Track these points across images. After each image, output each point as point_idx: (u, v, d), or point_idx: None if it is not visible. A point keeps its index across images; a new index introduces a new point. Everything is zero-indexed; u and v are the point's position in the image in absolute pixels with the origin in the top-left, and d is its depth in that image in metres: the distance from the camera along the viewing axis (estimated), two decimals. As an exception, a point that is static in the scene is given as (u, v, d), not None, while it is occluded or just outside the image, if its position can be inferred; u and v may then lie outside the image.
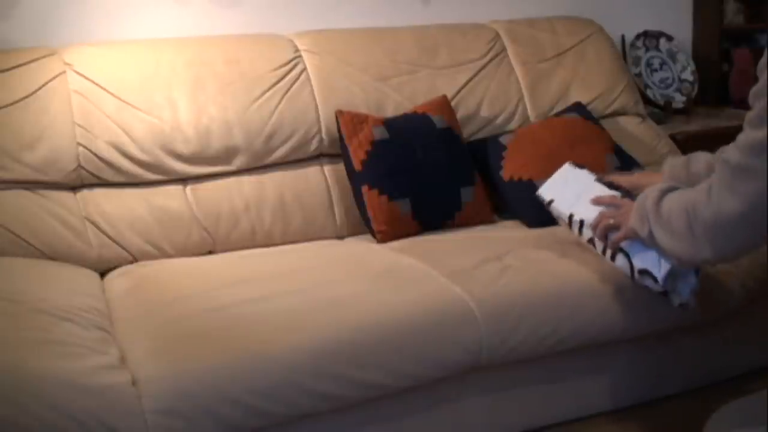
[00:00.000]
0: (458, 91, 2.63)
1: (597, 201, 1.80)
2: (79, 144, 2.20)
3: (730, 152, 1.38)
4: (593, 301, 1.91)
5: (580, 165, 1.95)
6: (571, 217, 1.86)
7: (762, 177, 1.31)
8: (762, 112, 1.30)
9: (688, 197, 1.49)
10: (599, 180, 1.87)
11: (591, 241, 1.82)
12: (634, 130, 2.85)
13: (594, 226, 1.76)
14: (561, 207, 1.89)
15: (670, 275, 1.68)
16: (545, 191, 1.96)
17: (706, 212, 1.42)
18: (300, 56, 2.49)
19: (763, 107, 1.30)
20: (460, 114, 2.59)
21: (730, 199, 1.37)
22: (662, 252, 1.62)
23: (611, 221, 1.72)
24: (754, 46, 3.40)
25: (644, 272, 1.71)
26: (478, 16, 2.86)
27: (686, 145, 2.80)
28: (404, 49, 2.63)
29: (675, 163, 1.88)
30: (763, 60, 1.32)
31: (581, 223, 1.83)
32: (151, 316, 1.79)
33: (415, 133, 2.39)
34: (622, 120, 2.87)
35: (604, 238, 1.74)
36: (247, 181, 2.37)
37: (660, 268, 1.68)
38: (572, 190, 1.88)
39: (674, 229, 1.51)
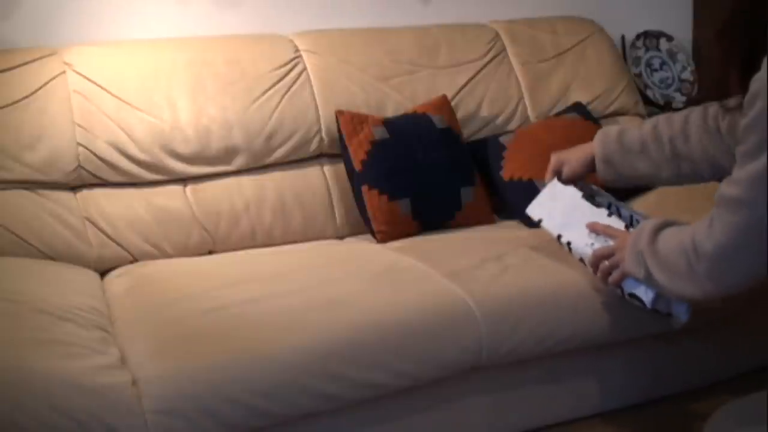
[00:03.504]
0: (458, 91, 2.63)
1: (592, 228, 1.79)
2: (79, 144, 2.20)
3: (726, 188, 1.37)
4: (593, 302, 1.91)
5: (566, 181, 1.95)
6: (559, 237, 1.88)
7: (761, 206, 1.30)
8: (756, 143, 1.29)
9: (685, 235, 1.48)
10: (585, 197, 1.87)
11: (581, 260, 1.84)
12: (634, 130, 2.85)
13: (591, 265, 1.77)
14: (549, 227, 1.91)
15: (659, 299, 1.69)
16: (534, 210, 1.96)
17: (708, 248, 1.41)
18: (300, 56, 2.49)
19: (757, 140, 1.28)
20: (460, 114, 2.59)
21: (732, 234, 1.37)
22: (662, 291, 1.62)
23: (606, 263, 1.72)
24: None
25: (633, 296, 1.72)
26: (478, 16, 2.86)
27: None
28: (404, 49, 2.63)
29: (608, 132, 1.88)
30: (749, 94, 1.30)
31: (569, 244, 1.85)
32: (151, 316, 1.79)
33: (415, 133, 2.39)
34: (622, 120, 2.87)
35: (604, 280, 1.75)
36: (247, 181, 2.37)
37: (647, 293, 1.69)
38: (560, 210, 1.89)
39: (674, 269, 1.51)
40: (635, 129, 1.84)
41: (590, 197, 1.88)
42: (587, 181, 1.96)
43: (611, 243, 1.74)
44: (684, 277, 1.49)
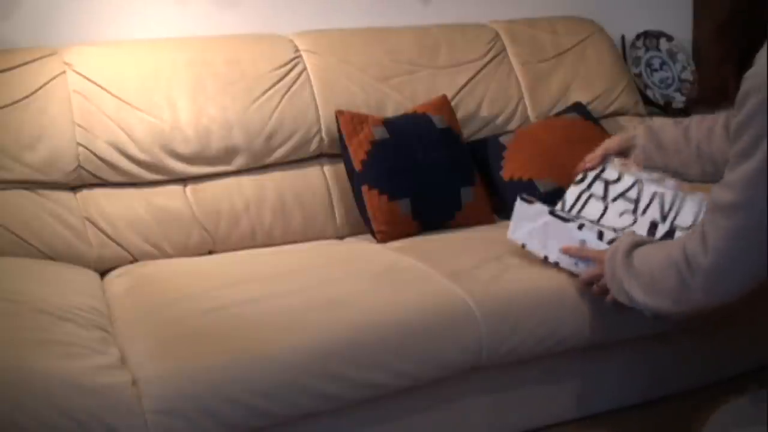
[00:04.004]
0: (458, 91, 2.63)
1: (566, 252, 1.83)
2: (79, 144, 2.20)
3: (719, 193, 1.33)
4: (593, 301, 1.91)
5: (529, 199, 1.95)
6: (546, 258, 1.91)
7: (758, 206, 1.26)
8: (750, 141, 1.25)
9: (673, 250, 1.45)
10: (552, 213, 1.90)
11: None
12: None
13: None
14: (533, 249, 1.94)
15: None
16: (514, 234, 1.97)
17: (704, 259, 1.37)
18: (300, 56, 2.49)
19: (751, 138, 1.24)
20: (460, 114, 2.59)
21: (728, 240, 1.32)
22: (646, 311, 1.60)
23: (596, 288, 1.75)
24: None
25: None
26: (478, 16, 2.86)
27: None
28: (404, 49, 2.63)
29: (652, 127, 1.93)
30: (741, 92, 1.26)
31: (557, 264, 1.89)
32: (151, 316, 1.79)
33: (415, 133, 2.39)
34: (622, 120, 2.87)
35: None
36: (247, 181, 2.37)
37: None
38: (537, 231, 1.91)
39: (660, 286, 1.49)
40: (672, 128, 1.89)
41: (557, 212, 1.90)
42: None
43: (591, 265, 1.77)
44: (672, 293, 1.46)
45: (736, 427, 1.37)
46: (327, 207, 2.44)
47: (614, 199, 1.89)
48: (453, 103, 2.57)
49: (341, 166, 2.41)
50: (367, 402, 1.74)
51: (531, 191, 2.37)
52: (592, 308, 1.91)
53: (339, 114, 2.39)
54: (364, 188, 2.31)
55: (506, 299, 1.87)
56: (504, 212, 2.48)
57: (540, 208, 1.91)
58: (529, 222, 1.93)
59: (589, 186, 1.95)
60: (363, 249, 2.26)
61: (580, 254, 1.80)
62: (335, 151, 2.45)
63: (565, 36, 2.88)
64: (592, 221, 1.88)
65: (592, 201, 1.93)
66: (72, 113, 2.20)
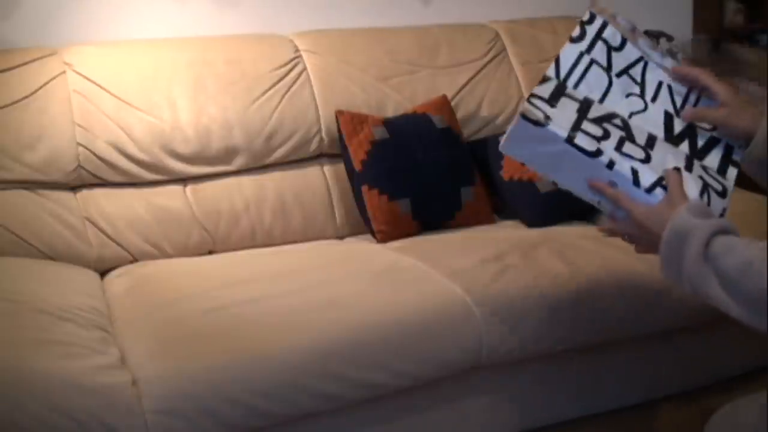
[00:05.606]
0: (458, 91, 2.63)
1: (593, 187, 1.42)
2: (79, 144, 2.20)
3: None
4: (593, 301, 1.91)
5: (536, 119, 1.46)
6: (554, 183, 1.52)
7: None
8: None
9: None
10: (571, 141, 1.43)
11: None
12: (634, 130, 2.85)
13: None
14: (538, 171, 1.55)
15: None
16: (511, 151, 1.53)
17: None
18: (300, 56, 2.49)
19: None
20: (460, 114, 2.59)
21: None
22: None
23: (626, 238, 1.43)
24: (754, 46, 3.40)
25: None
26: (478, 16, 2.86)
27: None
28: (404, 49, 2.63)
29: None
30: None
31: (569, 192, 1.50)
32: (151, 316, 1.79)
33: (415, 133, 2.39)
34: (622, 120, 2.87)
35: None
36: (247, 181, 2.37)
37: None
38: (546, 156, 1.49)
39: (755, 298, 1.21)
40: None
41: (577, 140, 1.44)
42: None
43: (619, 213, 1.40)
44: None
45: (736, 427, 1.37)
46: (327, 207, 2.44)
47: (618, 74, 1.59)
48: (453, 103, 2.57)
49: (341, 166, 2.41)
50: (367, 402, 1.74)
51: (531, 191, 2.38)
52: (591, 308, 1.91)
53: (339, 114, 2.39)
54: (364, 188, 2.31)
55: (506, 299, 1.87)
56: (504, 212, 2.48)
57: (552, 133, 1.44)
58: (536, 144, 1.48)
59: (590, 48, 1.63)
60: (363, 249, 2.26)
61: (613, 198, 1.38)
62: (335, 151, 2.45)
63: (565, 36, 2.83)
64: (610, 118, 1.50)
65: (594, 69, 1.60)
66: (72, 113, 2.20)
